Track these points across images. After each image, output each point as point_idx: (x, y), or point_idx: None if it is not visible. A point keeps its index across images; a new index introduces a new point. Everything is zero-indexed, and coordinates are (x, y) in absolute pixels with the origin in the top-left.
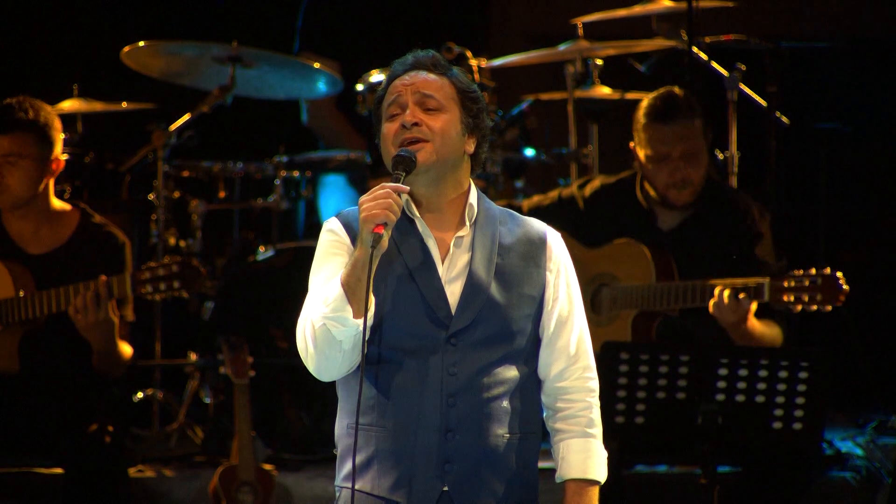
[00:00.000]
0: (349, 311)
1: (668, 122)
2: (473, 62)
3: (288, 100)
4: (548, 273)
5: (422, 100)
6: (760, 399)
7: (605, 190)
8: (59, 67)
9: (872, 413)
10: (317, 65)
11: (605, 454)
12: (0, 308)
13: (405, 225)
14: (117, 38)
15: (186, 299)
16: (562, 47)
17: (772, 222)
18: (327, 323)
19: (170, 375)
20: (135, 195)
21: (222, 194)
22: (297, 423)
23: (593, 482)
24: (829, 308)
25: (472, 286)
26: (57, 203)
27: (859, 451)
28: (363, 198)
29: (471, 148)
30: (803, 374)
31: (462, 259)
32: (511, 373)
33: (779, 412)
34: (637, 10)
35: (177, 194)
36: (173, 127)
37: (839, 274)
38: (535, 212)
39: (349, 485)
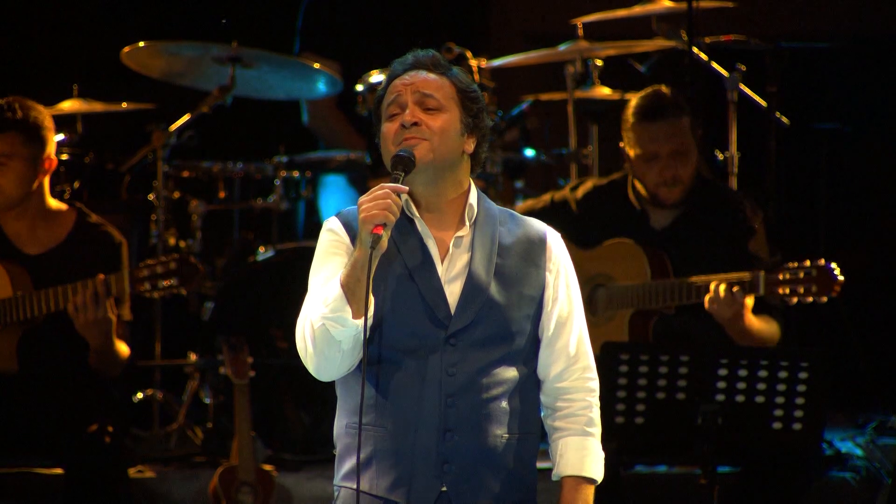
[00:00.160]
0: (348, 311)
1: (656, 121)
2: (473, 62)
3: (288, 100)
4: (547, 273)
5: (421, 99)
6: (760, 399)
7: (597, 191)
8: (59, 67)
9: (872, 413)
10: (317, 65)
11: (602, 454)
12: None
13: (405, 225)
14: (117, 38)
15: (185, 298)
16: (562, 48)
17: (771, 222)
18: (326, 323)
19: (170, 376)
20: (134, 195)
21: (222, 195)
22: (297, 424)
23: (590, 480)
24: (825, 299)
25: (472, 286)
26: (53, 203)
27: (859, 452)
28: (362, 198)
29: (470, 148)
30: (803, 375)
31: (462, 259)
32: (510, 373)
33: (779, 412)
34: (637, 10)
35: (177, 195)
36: (173, 127)
37: (833, 265)
38: (528, 215)
39: (348, 484)
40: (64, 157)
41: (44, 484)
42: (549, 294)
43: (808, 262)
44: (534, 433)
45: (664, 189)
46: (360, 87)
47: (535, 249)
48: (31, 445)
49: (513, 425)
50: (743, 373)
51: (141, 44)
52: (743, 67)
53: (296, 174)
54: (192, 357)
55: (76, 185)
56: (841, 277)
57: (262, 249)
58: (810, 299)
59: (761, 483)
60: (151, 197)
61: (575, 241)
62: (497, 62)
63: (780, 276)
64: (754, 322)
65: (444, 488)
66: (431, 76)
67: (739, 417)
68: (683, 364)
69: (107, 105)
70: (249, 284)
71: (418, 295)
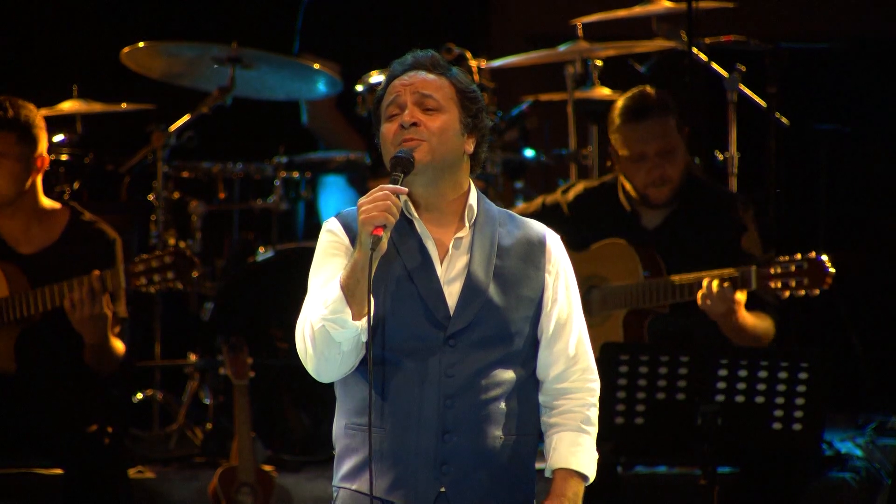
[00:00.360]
0: (348, 312)
1: (642, 121)
2: (473, 63)
3: (288, 101)
4: (547, 275)
5: (421, 100)
6: (760, 400)
7: (587, 194)
8: (58, 68)
9: (872, 414)
10: (316, 66)
11: (595, 454)
12: None
13: (404, 226)
14: (117, 38)
15: (185, 297)
16: (562, 48)
17: (771, 222)
18: (326, 324)
19: (169, 376)
20: (134, 196)
21: (222, 195)
22: (297, 424)
23: (581, 476)
24: (817, 292)
25: (471, 287)
26: (46, 202)
27: (859, 452)
28: (362, 200)
29: (470, 148)
30: (803, 375)
31: (461, 260)
32: (509, 374)
33: (778, 413)
34: (637, 10)
35: (176, 195)
36: (173, 128)
37: (824, 257)
38: None
39: (347, 485)
40: (64, 157)
41: (43, 484)
42: (548, 295)
43: (798, 256)
44: (533, 434)
45: (653, 189)
46: (359, 88)
47: (534, 251)
48: (30, 446)
49: (511, 426)
50: (743, 373)
51: (141, 44)
52: (743, 68)
53: (295, 175)
54: (192, 357)
55: (76, 185)
56: (832, 270)
57: (261, 250)
58: (802, 292)
59: (761, 483)
60: (151, 197)
61: (567, 244)
62: (497, 62)
63: (772, 270)
64: (748, 318)
65: (443, 489)
66: (431, 76)
67: (739, 418)
68: (683, 364)
69: (106, 105)
70: (249, 285)
71: (417, 296)
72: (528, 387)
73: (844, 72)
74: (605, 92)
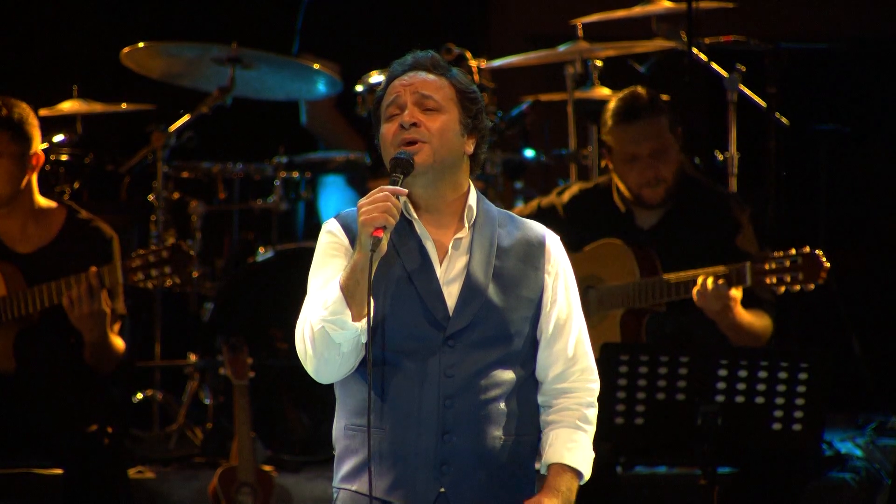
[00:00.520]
0: (348, 314)
1: (634, 122)
2: (473, 63)
3: (287, 101)
4: (546, 276)
5: (421, 100)
6: (760, 400)
7: (583, 195)
8: (58, 68)
9: (872, 414)
10: (316, 66)
11: (592, 453)
12: None
13: (404, 227)
14: (117, 38)
15: (182, 293)
16: (561, 48)
17: (771, 222)
18: (326, 326)
19: (169, 376)
20: (134, 196)
21: (222, 195)
22: (297, 425)
23: (575, 472)
24: (812, 286)
25: (470, 288)
26: (42, 201)
27: (859, 452)
28: (361, 201)
29: (470, 149)
30: (803, 375)
31: (460, 261)
32: (508, 375)
33: (778, 413)
34: (637, 11)
35: (176, 195)
36: (173, 128)
37: (819, 252)
38: None
39: (346, 486)
40: (64, 157)
41: (43, 484)
42: (547, 296)
43: (793, 251)
44: (532, 435)
45: (647, 189)
46: (359, 88)
47: (533, 252)
48: (30, 446)
49: (511, 427)
50: (743, 373)
51: (141, 44)
52: (743, 68)
53: (295, 175)
54: (192, 358)
55: (76, 185)
56: (827, 264)
57: (261, 250)
58: (798, 287)
59: (761, 483)
60: (151, 198)
61: (564, 245)
62: (497, 63)
63: (767, 266)
64: (745, 316)
65: (443, 489)
66: (431, 77)
67: (739, 418)
68: (683, 365)
69: (106, 106)
70: (249, 285)
71: (417, 296)
72: (528, 387)
73: (844, 72)
74: (605, 92)
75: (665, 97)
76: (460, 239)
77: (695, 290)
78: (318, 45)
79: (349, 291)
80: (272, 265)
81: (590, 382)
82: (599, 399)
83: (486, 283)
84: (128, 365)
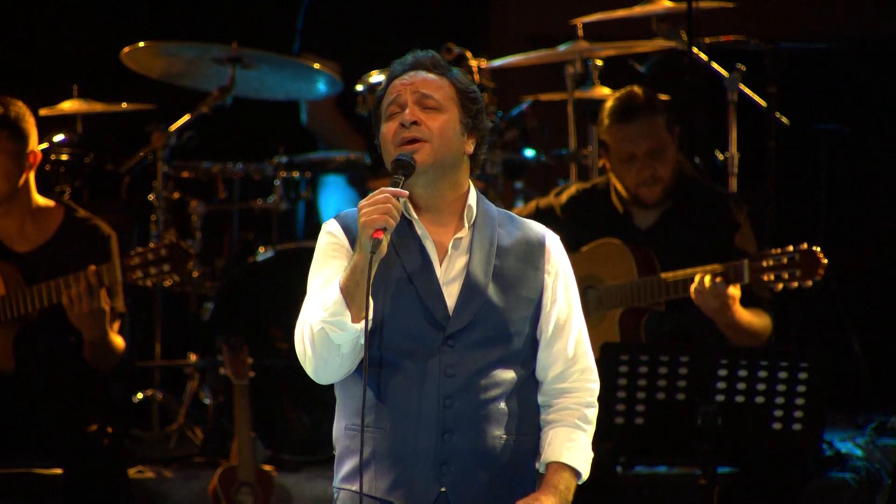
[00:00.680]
0: (348, 315)
1: (630, 121)
2: (473, 63)
3: (288, 100)
4: (546, 276)
5: (421, 99)
6: (760, 400)
7: (580, 195)
8: (59, 68)
9: (872, 414)
10: (316, 65)
11: (591, 453)
12: None
13: (403, 226)
14: (117, 38)
15: (182, 293)
16: (562, 48)
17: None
18: (325, 327)
19: (169, 376)
20: (134, 196)
21: (222, 195)
22: (297, 424)
23: (574, 471)
24: (810, 283)
25: (470, 288)
26: (40, 200)
27: (859, 452)
28: (362, 202)
29: (470, 148)
30: (803, 375)
31: (460, 261)
32: (508, 374)
33: (778, 413)
34: (637, 10)
35: (176, 195)
36: (173, 128)
37: (816, 248)
38: None
39: (347, 486)
40: (64, 157)
41: (43, 484)
42: (547, 296)
43: (790, 248)
44: (533, 434)
45: (644, 189)
46: (359, 88)
47: (533, 251)
48: (30, 445)
49: (511, 426)
50: (743, 373)
51: (141, 44)
52: (743, 68)
53: (295, 175)
54: (192, 357)
55: (76, 185)
56: (825, 260)
57: (261, 250)
58: (795, 284)
59: (761, 483)
60: (151, 197)
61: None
62: (497, 62)
63: (764, 263)
64: (744, 314)
65: (443, 489)
66: (431, 76)
67: (739, 418)
68: (683, 364)
69: (107, 105)
70: (249, 285)
71: (416, 296)
72: (528, 387)
73: (844, 72)
74: (605, 92)
75: (663, 97)
76: (460, 239)
77: (692, 288)
78: (319, 45)
79: (349, 293)
80: (272, 265)
81: (589, 382)
82: (599, 399)
83: (485, 282)
84: (128, 364)
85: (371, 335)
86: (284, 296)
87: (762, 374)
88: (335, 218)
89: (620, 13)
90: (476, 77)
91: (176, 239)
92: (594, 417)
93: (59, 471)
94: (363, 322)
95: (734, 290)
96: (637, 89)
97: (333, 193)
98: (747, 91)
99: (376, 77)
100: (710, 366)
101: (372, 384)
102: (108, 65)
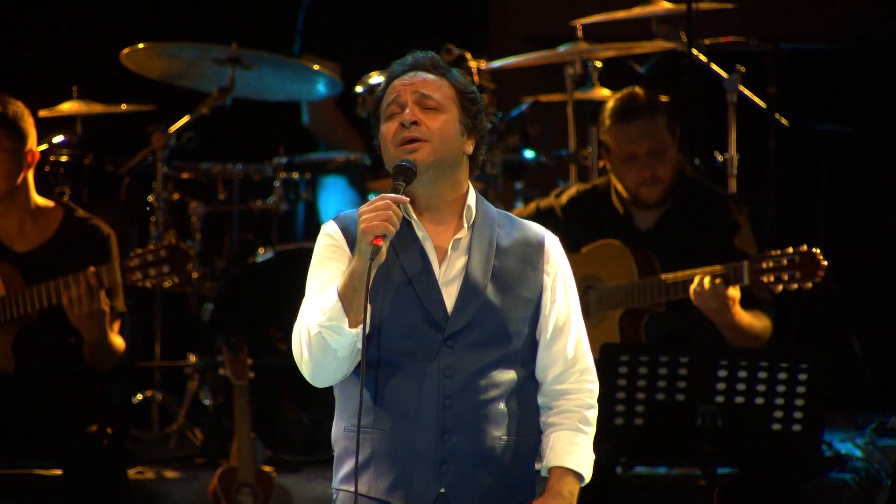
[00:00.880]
0: (345, 320)
1: (631, 122)
2: (473, 64)
3: (288, 101)
4: (545, 276)
5: (421, 99)
6: (760, 400)
7: (581, 196)
8: (58, 69)
9: (872, 414)
10: (317, 66)
11: (592, 455)
12: None
13: (403, 227)
14: (117, 39)
15: (182, 294)
16: (561, 49)
17: (771, 223)
18: (323, 331)
19: (169, 377)
20: (134, 197)
21: (222, 196)
22: (297, 425)
23: (576, 475)
24: (810, 285)
25: (469, 288)
26: (39, 200)
27: (859, 453)
28: (362, 208)
29: (469, 149)
30: (803, 376)
31: (459, 261)
32: (508, 375)
33: (778, 413)
34: (636, 11)
35: (176, 196)
36: (173, 129)
37: (816, 250)
38: None
39: (346, 487)
40: (64, 158)
41: (43, 484)
42: (546, 297)
43: (790, 249)
44: (532, 435)
45: (644, 189)
46: (359, 89)
47: (533, 252)
48: (30, 446)
49: (511, 427)
50: (742, 374)
51: (140, 45)
52: (742, 69)
53: (295, 175)
54: (192, 358)
55: (76, 186)
56: (824, 262)
57: (261, 251)
58: (795, 286)
59: (761, 484)
60: (151, 198)
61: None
62: (496, 63)
63: (764, 265)
64: (743, 316)
65: (443, 490)
66: (431, 77)
67: (739, 418)
68: (683, 365)
69: (106, 107)
70: (249, 285)
71: (416, 297)
72: (528, 387)
73: (844, 72)
74: (604, 93)
75: (664, 97)
76: (459, 239)
77: (692, 289)
78: (319, 46)
79: (347, 298)
80: (272, 265)
81: (589, 383)
82: (599, 399)
83: (484, 283)
84: (128, 365)
85: (370, 336)
86: (284, 296)
87: (762, 374)
88: (334, 219)
89: (620, 14)
90: (476, 78)
91: (176, 240)
92: (594, 419)
93: (59, 471)
94: (360, 327)
95: (734, 292)
96: (638, 90)
97: (333, 194)
98: (747, 92)
99: (376, 78)
100: (709, 366)
101: (371, 385)
102: (108, 66)
